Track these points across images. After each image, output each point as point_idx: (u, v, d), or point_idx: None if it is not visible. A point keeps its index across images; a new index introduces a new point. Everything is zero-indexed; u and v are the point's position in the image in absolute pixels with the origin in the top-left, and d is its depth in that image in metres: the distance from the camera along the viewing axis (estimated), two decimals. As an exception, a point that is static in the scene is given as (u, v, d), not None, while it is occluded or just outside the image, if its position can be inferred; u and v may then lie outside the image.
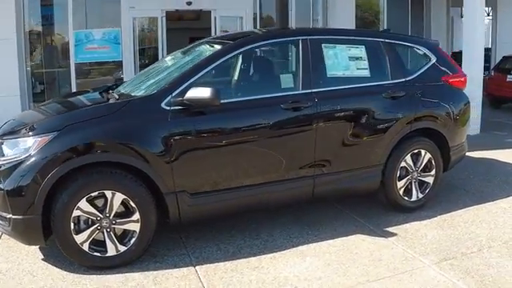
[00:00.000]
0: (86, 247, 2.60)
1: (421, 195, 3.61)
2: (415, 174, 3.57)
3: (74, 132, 2.54)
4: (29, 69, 6.94)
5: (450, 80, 3.73)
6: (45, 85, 7.49)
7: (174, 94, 2.73)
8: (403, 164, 3.48)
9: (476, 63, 6.06)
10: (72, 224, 2.55)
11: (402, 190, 3.52)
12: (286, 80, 3.15)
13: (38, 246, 2.91)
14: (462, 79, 3.80)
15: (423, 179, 3.63)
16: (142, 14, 7.88)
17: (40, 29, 7.40)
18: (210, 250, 2.99)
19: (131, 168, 2.63)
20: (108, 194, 2.59)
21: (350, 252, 2.94)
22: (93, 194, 2.56)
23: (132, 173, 2.63)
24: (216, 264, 2.79)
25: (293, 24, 8.74)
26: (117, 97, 2.94)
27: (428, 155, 3.58)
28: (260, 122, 2.92)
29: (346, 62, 3.30)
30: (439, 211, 3.64)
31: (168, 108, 2.70)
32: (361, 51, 3.37)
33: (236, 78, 3.18)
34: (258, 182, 2.95)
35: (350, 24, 8.48)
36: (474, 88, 6.05)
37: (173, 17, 8.35)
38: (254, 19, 8.61)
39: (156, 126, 2.65)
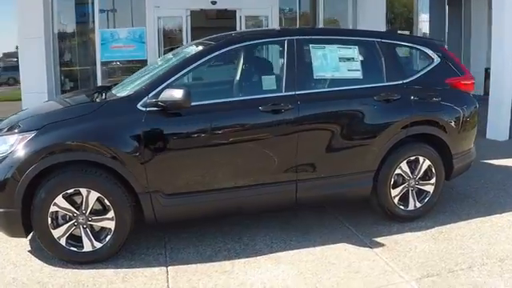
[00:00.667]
0: (63, 242, 2.70)
1: (419, 204, 3.42)
2: (412, 181, 3.38)
3: (51, 131, 2.64)
4: (58, 67, 7.29)
5: (456, 83, 3.50)
6: (73, 82, 7.86)
7: (150, 96, 2.76)
8: (398, 171, 3.30)
9: (506, 66, 5.63)
10: (49, 219, 2.66)
11: (397, 198, 3.35)
12: (268, 82, 3.08)
13: (28, 239, 3.05)
14: (469, 82, 3.55)
15: (422, 188, 3.43)
16: (167, 13, 8.02)
17: (68, 28, 7.74)
18: (188, 251, 3.01)
19: (106, 167, 2.69)
20: (83, 191, 2.67)
21: (328, 262, 2.85)
22: (69, 191, 2.65)
23: (107, 172, 2.69)
24: (188, 266, 2.80)
25: (321, 22, 8.57)
26: (102, 97, 3.02)
27: (427, 162, 3.38)
28: (236, 124, 2.89)
29: (336, 63, 3.18)
30: (439, 222, 3.43)
31: (144, 109, 2.74)
32: (353, 52, 3.23)
33: (216, 79, 3.15)
34: (235, 185, 2.92)
35: (380, 21, 8.18)
36: (504, 93, 5.67)
37: (197, 16, 8.44)
38: (293, 18, 8.51)
39: (131, 127, 2.70)
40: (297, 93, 3.00)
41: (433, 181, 3.43)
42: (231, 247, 3.05)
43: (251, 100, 2.94)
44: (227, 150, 2.87)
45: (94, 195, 2.69)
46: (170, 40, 8.61)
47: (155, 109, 2.73)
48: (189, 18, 8.07)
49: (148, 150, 2.71)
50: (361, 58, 3.25)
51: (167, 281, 2.63)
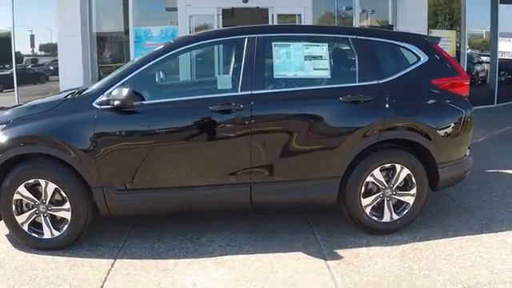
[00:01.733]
0: (25, 228, 2.94)
1: (396, 216, 3.14)
2: (389, 191, 3.11)
3: (16, 125, 2.88)
4: (95, 64, 7.84)
5: (445, 84, 3.14)
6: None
7: (104, 94, 2.87)
8: (370, 179, 3.06)
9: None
10: (14, 206, 2.90)
11: (370, 208, 3.11)
12: (224, 81, 3.04)
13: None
14: (462, 83, 3.16)
15: (400, 198, 3.15)
16: (198, 11, 8.11)
17: (105, 26, 8.20)
18: (143, 246, 3.09)
19: (63, 161, 2.86)
20: (42, 182, 2.87)
21: (272, 270, 2.74)
22: (29, 182, 2.87)
23: (63, 165, 2.86)
24: (135, 260, 2.88)
25: (357, 20, 8.18)
26: (70, 94, 3.21)
27: (406, 171, 3.09)
28: (185, 123, 2.90)
29: (300, 62, 3.03)
30: (419, 237, 3.13)
31: (98, 107, 2.86)
32: (322, 49, 3.05)
33: (172, 78, 3.17)
34: (185, 184, 2.93)
35: (421, 17, 7.61)
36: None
37: (229, 14, 8.51)
38: (330, 15, 8.27)
39: (84, 124, 2.84)
40: (253, 92, 2.92)
41: (413, 191, 3.13)
42: (185, 246, 3.08)
43: (201, 99, 2.92)
44: (176, 149, 2.89)
45: (51, 186, 2.88)
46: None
47: (108, 107, 2.84)
48: (220, 16, 8.14)
49: (99, 146, 2.83)
50: (330, 56, 3.05)
51: (108, 273, 2.73)
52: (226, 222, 3.38)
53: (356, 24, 8.11)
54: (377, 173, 3.06)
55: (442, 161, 3.13)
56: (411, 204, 3.15)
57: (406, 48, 3.18)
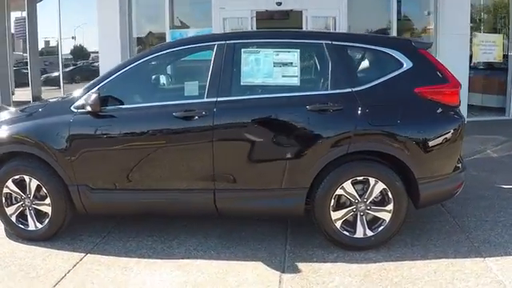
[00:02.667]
0: (13, 219, 3.24)
1: (370, 233, 2.98)
2: (362, 206, 2.96)
3: (5, 126, 3.18)
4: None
5: (430, 92, 2.91)
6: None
7: (82, 98, 3.07)
8: (340, 192, 2.93)
9: None
10: (4, 198, 3.21)
11: (340, 222, 2.98)
12: (191, 88, 3.08)
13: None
14: (451, 92, 2.90)
15: (375, 214, 2.98)
16: (232, 14, 8.20)
17: (144, 29, 8.58)
18: (117, 243, 3.24)
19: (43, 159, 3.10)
20: (27, 178, 3.14)
21: (223, 278, 2.75)
22: (16, 177, 3.16)
23: (44, 164, 3.11)
24: (103, 256, 3.04)
25: (393, 23, 7.77)
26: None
27: (380, 185, 2.91)
28: (151, 129, 2.99)
29: (269, 69, 2.98)
30: (394, 256, 2.95)
31: (75, 110, 3.06)
32: (293, 56, 2.97)
33: (142, 84, 3.25)
34: (152, 187, 3.03)
35: (463, 20, 7.05)
36: None
37: (263, 17, 8.54)
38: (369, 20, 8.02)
39: (62, 126, 3.05)
40: (218, 99, 2.93)
41: (389, 207, 2.94)
42: (155, 247, 3.18)
43: (167, 106, 2.99)
44: (142, 153, 2.99)
45: (34, 182, 3.14)
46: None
47: (83, 111, 3.03)
48: (254, 19, 8.18)
49: (74, 147, 3.03)
50: (301, 62, 2.97)
51: (74, 265, 2.91)
52: (203, 225, 3.42)
53: (393, 28, 7.72)
54: (348, 186, 2.91)
55: (422, 176, 2.90)
56: (387, 221, 2.96)
57: (388, 54, 2.99)
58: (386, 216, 2.96)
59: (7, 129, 3.17)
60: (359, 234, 2.98)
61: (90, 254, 3.09)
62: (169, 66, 3.17)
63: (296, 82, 2.95)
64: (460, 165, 3.11)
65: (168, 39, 8.02)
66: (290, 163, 2.92)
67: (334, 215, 2.96)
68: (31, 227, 3.22)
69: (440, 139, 2.92)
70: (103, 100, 2.96)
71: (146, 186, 3.04)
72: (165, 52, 3.14)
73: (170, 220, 3.49)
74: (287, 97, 2.94)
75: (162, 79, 3.22)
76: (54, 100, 3.44)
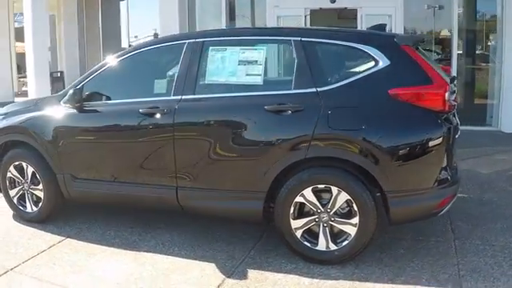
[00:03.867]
0: (15, 201, 3.63)
1: (333, 247, 2.78)
2: (325, 216, 2.77)
3: (6, 118, 3.58)
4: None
5: (406, 94, 2.60)
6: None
7: (68, 93, 3.32)
8: (300, 199, 2.78)
9: None
10: (8, 182, 3.62)
11: (301, 232, 2.82)
12: (160, 86, 3.14)
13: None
14: (433, 95, 2.56)
15: (339, 227, 2.77)
16: (286, 12, 8.22)
17: (204, 24, 8.79)
18: (97, 231, 3.44)
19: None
20: (24, 165, 3.51)
21: (167, 275, 2.79)
22: (16, 163, 3.54)
23: (39, 152, 3.43)
24: (79, 242, 3.26)
25: (454, 19, 7.07)
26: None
27: (344, 195, 2.70)
28: (120, 124, 3.14)
29: (234, 67, 2.92)
30: (355, 276, 2.74)
31: (63, 105, 3.33)
32: (258, 54, 2.88)
33: (119, 82, 3.35)
34: (123, 180, 3.17)
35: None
36: None
37: (317, 15, 8.33)
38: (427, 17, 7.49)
39: (50, 120, 3.34)
40: (182, 97, 2.97)
41: (354, 221, 2.71)
42: (129, 238, 3.32)
43: (135, 102, 3.09)
44: (113, 147, 3.17)
45: (30, 169, 3.49)
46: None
47: (68, 105, 3.28)
48: (308, 17, 8.07)
49: (59, 138, 3.30)
50: (267, 60, 2.87)
51: (50, 247, 3.17)
52: (187, 221, 3.47)
53: (454, 28, 7.02)
54: (308, 193, 2.75)
55: (392, 189, 2.62)
56: (352, 235, 2.73)
57: (362, 51, 2.73)
58: (350, 230, 2.73)
59: (9, 120, 3.55)
60: (321, 246, 2.79)
61: (70, 238, 3.34)
62: (143, 65, 3.25)
63: (259, 80, 2.85)
64: (448, 177, 2.72)
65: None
66: (247, 165, 2.85)
67: (294, 224, 2.81)
68: (28, 209, 3.58)
69: (415, 149, 2.61)
70: (89, 96, 3.18)
71: (118, 179, 3.19)
72: (139, 51, 3.26)
73: (160, 214, 3.58)
74: (246, 96, 2.87)
75: (137, 77, 3.33)
76: (51, 95, 3.76)
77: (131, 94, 3.20)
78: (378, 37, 2.87)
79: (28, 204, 3.58)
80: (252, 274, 2.77)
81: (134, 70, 3.25)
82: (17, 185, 3.61)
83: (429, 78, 2.61)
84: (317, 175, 2.72)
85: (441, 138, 2.59)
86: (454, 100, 2.86)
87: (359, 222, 2.69)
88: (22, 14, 11.42)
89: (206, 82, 2.96)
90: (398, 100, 2.61)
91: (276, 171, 2.75)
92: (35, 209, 3.55)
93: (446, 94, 2.62)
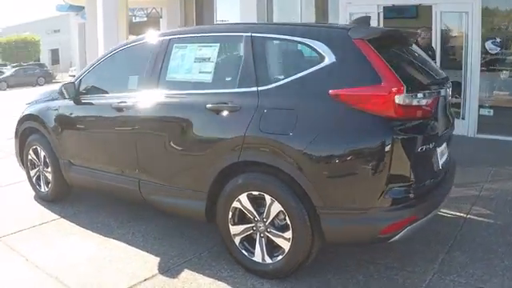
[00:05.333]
0: (34, 181, 4.22)
1: (269, 260, 2.68)
2: (261, 226, 2.68)
3: (30, 106, 4.15)
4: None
5: (346, 96, 2.36)
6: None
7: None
8: (237, 205, 2.73)
9: None
10: (29, 163, 4.21)
11: (239, 238, 2.77)
12: (131, 81, 3.31)
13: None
14: (378, 98, 2.28)
15: (274, 239, 2.64)
16: (359, 9, 7.89)
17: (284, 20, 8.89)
18: (91, 214, 3.80)
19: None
20: (39, 149, 4.05)
21: (109, 260, 2.99)
22: (34, 147, 4.10)
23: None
24: (67, 221, 3.68)
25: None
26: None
27: (277, 206, 2.58)
28: (98, 117, 3.45)
29: (190, 65, 2.98)
30: (283, 293, 2.58)
31: (67, 96, 3.73)
32: (212, 51, 2.89)
33: (105, 77, 3.57)
34: (101, 169, 3.46)
35: None
36: None
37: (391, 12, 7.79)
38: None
39: (53, 109, 3.80)
40: (148, 93, 3.12)
41: (288, 235, 2.56)
42: (111, 225, 3.59)
43: (111, 97, 3.34)
44: (92, 138, 3.50)
45: (42, 153, 4.02)
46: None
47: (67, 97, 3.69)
48: (381, 14, 7.67)
49: (59, 127, 3.74)
50: (218, 57, 2.86)
51: (42, 223, 3.63)
52: (171, 216, 3.56)
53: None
54: (244, 199, 2.68)
55: (323, 204, 2.41)
56: (286, 251, 2.58)
57: (310, 46, 2.54)
58: (285, 244, 2.59)
59: (30, 108, 4.11)
60: (258, 257, 2.70)
61: (64, 218, 3.77)
62: (122, 62, 3.46)
63: (209, 78, 2.85)
64: (405, 197, 2.37)
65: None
66: (191, 164, 2.90)
67: (233, 230, 2.76)
68: (42, 189, 4.13)
69: (353, 161, 2.35)
70: (84, 89, 3.55)
71: (97, 167, 3.48)
72: (120, 49, 3.52)
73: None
74: (194, 94, 2.89)
75: (115, 73, 3.57)
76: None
77: (110, 89, 3.47)
78: (328, 30, 2.65)
79: (42, 184, 4.11)
80: (185, 274, 2.81)
81: (114, 67, 3.52)
82: (35, 167, 4.16)
83: (378, 77, 2.30)
84: (250, 181, 2.63)
85: (387, 150, 2.28)
86: (427, 105, 2.47)
87: (292, 236, 2.52)
88: (135, 9, 12.96)
89: (167, 79, 3.07)
90: (338, 102, 2.36)
91: (214, 173, 2.73)
92: (46, 189, 4.07)
93: (397, 97, 2.28)
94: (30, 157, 4.19)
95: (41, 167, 4.11)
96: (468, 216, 3.62)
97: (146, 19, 13.63)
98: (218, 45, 2.89)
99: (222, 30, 3.12)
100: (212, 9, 10.90)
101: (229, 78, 2.79)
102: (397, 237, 2.40)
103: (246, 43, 2.73)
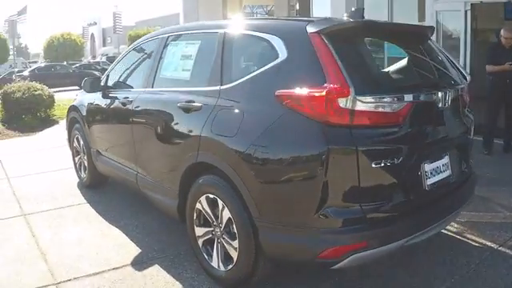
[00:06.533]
0: (77, 167, 4.74)
1: (222, 267, 2.61)
2: (218, 231, 2.63)
3: (76, 99, 4.65)
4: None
5: (286, 97, 2.18)
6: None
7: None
8: (199, 206, 2.71)
9: None
10: (74, 150, 4.74)
11: (202, 241, 2.76)
12: (137, 78, 3.47)
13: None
14: (314, 99, 2.06)
15: (226, 247, 2.57)
16: (445, 7, 7.32)
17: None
18: (109, 203, 4.12)
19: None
20: (79, 138, 4.53)
21: (99, 247, 3.20)
22: (76, 136, 4.59)
23: (84, 128, 4.40)
24: (88, 208, 4.05)
25: None
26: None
27: (227, 212, 2.49)
28: (111, 110, 3.71)
29: (177, 62, 3.07)
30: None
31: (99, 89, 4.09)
32: (193, 48, 2.93)
33: (122, 74, 3.74)
34: (117, 160, 3.70)
35: None
36: None
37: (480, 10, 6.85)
38: None
39: (88, 101, 4.20)
40: (145, 89, 3.29)
41: (235, 244, 2.47)
42: (121, 213, 3.86)
43: (122, 92, 3.56)
44: (110, 129, 3.78)
45: (81, 142, 4.48)
46: (448, 37, 7.56)
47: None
48: (468, 12, 6.90)
49: (88, 118, 4.14)
50: (197, 55, 2.88)
51: (66, 206, 4.07)
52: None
53: None
54: (204, 202, 2.66)
55: (259, 215, 2.27)
56: (234, 261, 2.48)
57: (269, 42, 2.39)
58: (233, 254, 2.50)
59: (76, 100, 4.60)
60: (215, 263, 2.66)
61: (87, 204, 4.17)
62: (136, 58, 3.63)
63: (187, 76, 2.87)
64: (348, 218, 2.09)
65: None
66: (166, 161, 2.97)
67: (197, 231, 2.77)
68: (82, 175, 4.61)
69: (287, 170, 2.15)
70: (111, 83, 3.85)
71: (114, 158, 3.76)
72: (132, 48, 3.73)
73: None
74: (172, 91, 2.93)
75: (127, 71, 3.76)
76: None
77: (121, 84, 3.71)
78: (287, 24, 2.48)
79: (82, 171, 4.58)
80: (152, 269, 2.90)
81: (128, 64, 3.78)
82: (78, 154, 4.67)
83: (323, 77, 2.06)
84: (206, 183, 2.59)
85: (321, 162, 2.03)
86: (394, 111, 2.15)
87: (239, 247, 2.39)
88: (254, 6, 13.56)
89: (161, 77, 3.20)
90: (281, 104, 2.18)
91: (181, 172, 2.75)
92: (84, 175, 4.52)
93: (341, 101, 2.01)
94: (74, 144, 4.71)
95: (81, 155, 4.58)
96: (499, 248, 3.00)
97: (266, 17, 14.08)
98: (200, 42, 2.91)
99: (202, 27, 3.09)
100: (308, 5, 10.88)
101: (201, 76, 2.76)
102: (340, 264, 2.10)
103: (219, 40, 2.69)
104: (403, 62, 2.62)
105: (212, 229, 2.64)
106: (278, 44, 2.31)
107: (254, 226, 2.30)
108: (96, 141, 4.09)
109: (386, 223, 2.13)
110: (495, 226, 3.30)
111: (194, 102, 2.69)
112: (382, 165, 2.08)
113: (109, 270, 2.88)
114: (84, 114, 4.26)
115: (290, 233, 2.17)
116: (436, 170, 2.37)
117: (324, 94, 2.02)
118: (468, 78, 2.79)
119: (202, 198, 2.64)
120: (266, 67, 2.33)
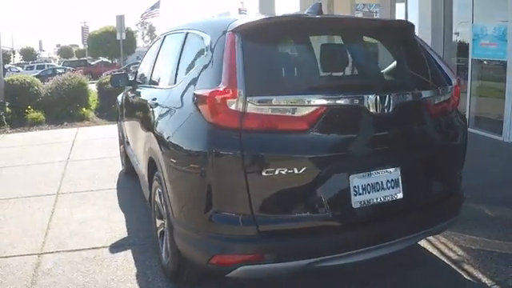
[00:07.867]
0: (120, 155, 5.30)
1: (164, 260, 2.72)
2: (165, 224, 2.74)
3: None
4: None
5: (197, 96, 2.21)
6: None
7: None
8: (157, 198, 2.85)
9: None
10: (119, 139, 5.31)
11: (158, 233, 2.90)
12: (146, 74, 3.70)
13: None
14: (204, 99, 2.08)
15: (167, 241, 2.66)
16: None
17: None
18: (128, 193, 4.53)
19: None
20: (122, 129, 5.05)
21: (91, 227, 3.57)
22: (120, 127, 5.14)
23: (121, 121, 4.90)
24: (110, 197, 4.51)
25: None
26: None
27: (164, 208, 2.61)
28: (128, 104, 4.03)
29: (162, 60, 3.26)
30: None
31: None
32: (172, 47, 3.11)
33: (143, 70, 4.03)
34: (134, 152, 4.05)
35: None
36: None
37: None
38: None
39: (123, 95, 4.66)
40: (147, 86, 3.54)
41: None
42: (137, 204, 4.08)
43: (147, 87, 3.64)
44: (137, 125, 4.00)
45: (121, 132, 4.99)
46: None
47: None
48: None
49: (122, 110, 4.59)
50: (179, 54, 2.90)
51: (96, 191, 4.57)
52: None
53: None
54: (157, 195, 2.80)
55: (173, 214, 2.35)
56: (170, 254, 2.58)
57: (202, 39, 2.46)
58: (169, 248, 2.57)
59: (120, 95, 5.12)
60: (164, 256, 2.76)
61: (115, 189, 4.60)
62: (150, 55, 3.84)
63: (164, 74, 3.03)
64: (238, 227, 2.02)
65: (470, 33, 7.16)
66: (139, 154, 3.15)
67: (157, 222, 2.89)
68: (120, 163, 5.11)
69: (185, 171, 2.22)
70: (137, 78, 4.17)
71: (132, 148, 4.09)
72: (150, 46, 3.96)
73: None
74: (151, 88, 3.13)
75: (144, 66, 4.00)
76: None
77: (140, 80, 3.98)
78: (216, 22, 2.52)
79: (123, 160, 5.08)
80: (126, 254, 3.10)
81: (146, 61, 4.02)
82: (121, 143, 5.18)
83: (220, 78, 2.04)
84: (155, 177, 2.71)
85: (206, 164, 2.01)
86: (301, 116, 2.01)
87: (169, 241, 2.48)
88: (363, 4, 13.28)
89: (154, 73, 3.40)
90: (194, 103, 2.21)
91: (145, 165, 2.90)
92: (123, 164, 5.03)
93: (230, 102, 1.98)
94: (119, 134, 5.23)
95: (125, 144, 5.07)
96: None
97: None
98: (174, 42, 3.05)
99: (178, 28, 3.18)
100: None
101: (169, 76, 2.89)
102: (232, 273, 2.05)
103: (181, 40, 2.81)
104: (333, 63, 2.33)
105: (163, 222, 2.74)
106: (207, 42, 2.36)
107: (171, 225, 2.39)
108: (127, 132, 4.49)
109: (285, 238, 2.00)
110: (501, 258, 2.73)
111: (155, 99, 2.86)
112: (277, 173, 1.94)
113: (88, 248, 3.20)
114: (119, 107, 4.73)
115: (190, 235, 2.19)
116: (373, 187, 2.10)
117: (207, 95, 2.03)
118: (453, 81, 2.40)
119: (156, 191, 2.78)
120: (197, 66, 2.41)
